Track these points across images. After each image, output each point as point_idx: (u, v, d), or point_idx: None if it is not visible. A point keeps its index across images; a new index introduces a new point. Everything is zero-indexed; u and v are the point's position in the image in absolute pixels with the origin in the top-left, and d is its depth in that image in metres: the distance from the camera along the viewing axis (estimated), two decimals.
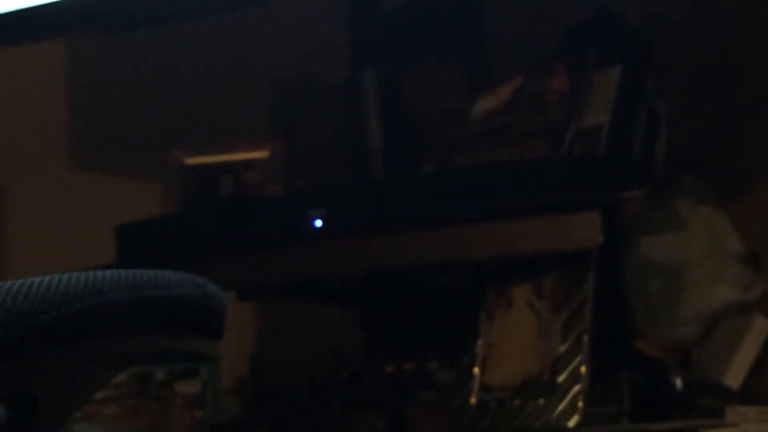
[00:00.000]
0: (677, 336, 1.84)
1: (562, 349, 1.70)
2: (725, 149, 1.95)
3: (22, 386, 0.78)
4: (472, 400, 1.73)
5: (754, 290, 1.86)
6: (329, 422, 1.78)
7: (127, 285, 0.82)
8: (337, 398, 1.81)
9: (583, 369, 1.67)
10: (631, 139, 1.76)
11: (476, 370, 1.75)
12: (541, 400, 1.68)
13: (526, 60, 1.89)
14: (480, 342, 1.76)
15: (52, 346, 0.77)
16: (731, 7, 1.94)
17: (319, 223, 1.76)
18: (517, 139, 1.81)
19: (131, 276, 0.82)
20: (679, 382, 1.79)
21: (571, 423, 1.65)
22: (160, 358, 0.85)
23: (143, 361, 0.87)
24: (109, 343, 0.80)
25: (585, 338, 1.68)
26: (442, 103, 1.96)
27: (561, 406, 1.67)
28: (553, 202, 1.66)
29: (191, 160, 1.97)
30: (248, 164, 1.96)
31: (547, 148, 1.78)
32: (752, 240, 1.87)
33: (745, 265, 1.87)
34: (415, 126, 1.95)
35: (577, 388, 1.67)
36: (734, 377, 1.84)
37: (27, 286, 0.77)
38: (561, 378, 1.68)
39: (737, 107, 1.95)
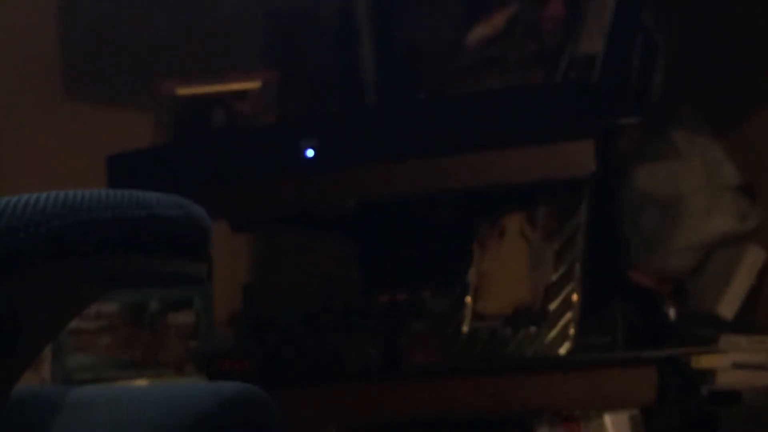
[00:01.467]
0: (671, 266, 1.83)
1: (554, 277, 1.70)
2: (723, 81, 1.93)
3: (4, 307, 0.78)
4: (464, 328, 1.73)
5: (749, 221, 1.85)
6: (322, 352, 1.79)
7: (108, 204, 0.80)
8: (330, 328, 1.81)
9: (574, 297, 1.68)
10: (627, 68, 1.75)
11: (468, 299, 1.75)
12: (533, 328, 1.69)
13: None
14: (472, 271, 1.76)
15: (32, 267, 0.76)
16: None
17: (311, 152, 1.74)
18: (512, 67, 1.80)
19: (112, 195, 0.81)
20: (672, 313, 1.79)
21: (563, 350, 1.66)
22: (143, 279, 0.84)
23: (126, 283, 0.86)
24: (89, 262, 0.79)
25: (577, 267, 1.68)
26: (436, 32, 1.93)
27: (552, 334, 1.67)
28: (547, 130, 1.64)
29: (183, 91, 1.96)
30: (240, 95, 1.94)
31: (541, 76, 1.76)
32: (748, 171, 1.87)
33: (741, 195, 1.86)
34: (409, 55, 1.93)
35: (568, 315, 1.67)
36: (728, 307, 1.84)
37: (4, 205, 0.76)
38: (553, 306, 1.69)
39: (735, 39, 1.92)
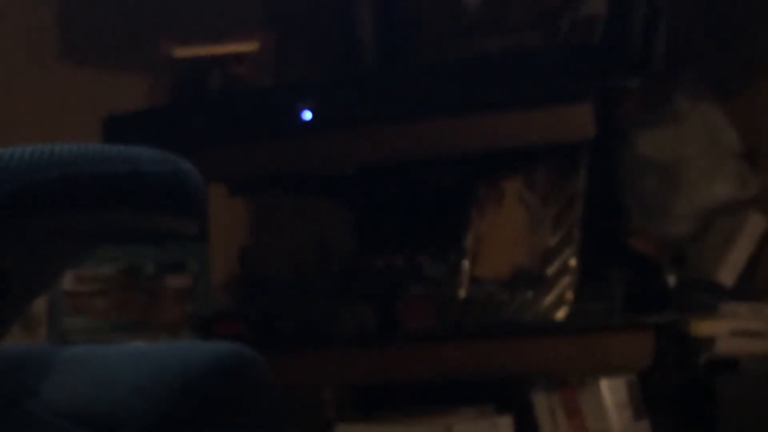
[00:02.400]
0: (671, 233, 1.82)
1: (552, 242, 1.69)
2: (724, 46, 1.91)
3: None
4: (462, 292, 1.73)
5: (750, 188, 1.84)
6: (319, 315, 1.78)
7: (95, 158, 0.79)
8: (326, 292, 1.80)
9: (572, 262, 1.67)
10: (629, 31, 1.72)
11: (465, 263, 1.74)
12: (530, 292, 1.68)
13: None
14: (470, 235, 1.75)
15: (17, 217, 0.75)
16: None
17: (308, 115, 1.73)
18: (511, 29, 1.78)
19: (99, 149, 0.80)
20: (672, 279, 1.79)
21: (560, 315, 1.65)
22: (129, 234, 0.83)
23: (113, 238, 0.86)
24: (73, 215, 0.78)
25: (575, 231, 1.67)
26: None
27: (550, 299, 1.67)
28: (546, 93, 1.63)
29: (180, 52, 1.94)
30: (238, 57, 1.92)
31: (541, 39, 1.74)
32: (750, 138, 1.85)
33: (742, 162, 1.85)
34: (408, 15, 1.91)
35: (566, 280, 1.66)
36: (728, 274, 1.83)
37: None
38: (550, 270, 1.68)
39: (739, 4, 1.90)
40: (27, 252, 0.79)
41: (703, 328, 1.64)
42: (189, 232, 0.87)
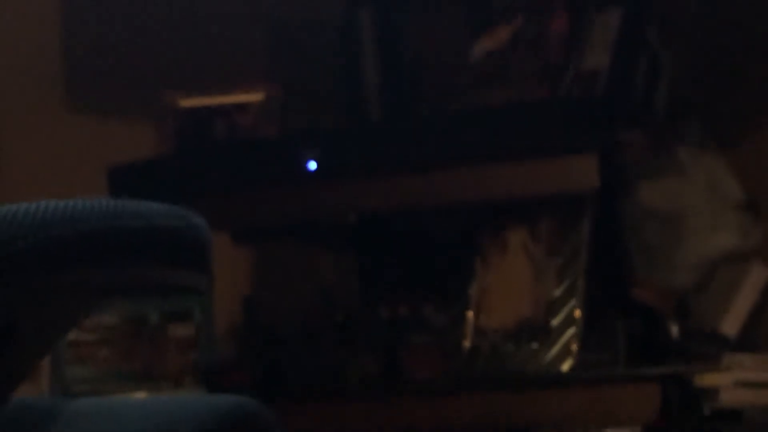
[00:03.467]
0: (674, 283, 1.83)
1: (557, 293, 1.69)
2: (727, 97, 1.92)
3: (0, 313, 0.77)
4: (466, 343, 1.72)
5: (753, 238, 1.85)
6: (323, 365, 1.78)
7: (108, 213, 0.80)
8: (330, 341, 1.80)
9: (577, 313, 1.67)
10: (631, 83, 1.74)
11: (470, 313, 1.74)
12: (535, 344, 1.68)
13: (527, 0, 1.87)
14: (474, 285, 1.75)
15: (30, 274, 0.75)
16: None
17: (313, 165, 1.74)
18: (516, 81, 1.79)
19: (112, 205, 0.81)
20: (675, 330, 1.79)
21: (565, 367, 1.65)
22: (142, 289, 0.84)
23: (125, 292, 0.86)
24: (87, 271, 0.78)
25: (580, 282, 1.67)
26: (440, 44, 1.93)
27: (554, 350, 1.66)
28: (551, 144, 1.64)
29: (185, 102, 1.95)
30: (243, 107, 1.94)
31: (545, 91, 1.75)
32: (752, 188, 1.86)
33: (744, 212, 1.85)
34: (413, 67, 1.92)
35: (570, 331, 1.66)
36: (731, 325, 1.83)
37: (4, 213, 0.75)
38: (555, 322, 1.68)
39: (740, 56, 1.92)
40: (39, 308, 0.79)
41: (707, 379, 1.64)
42: (200, 286, 0.88)
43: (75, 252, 0.77)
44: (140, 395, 1.78)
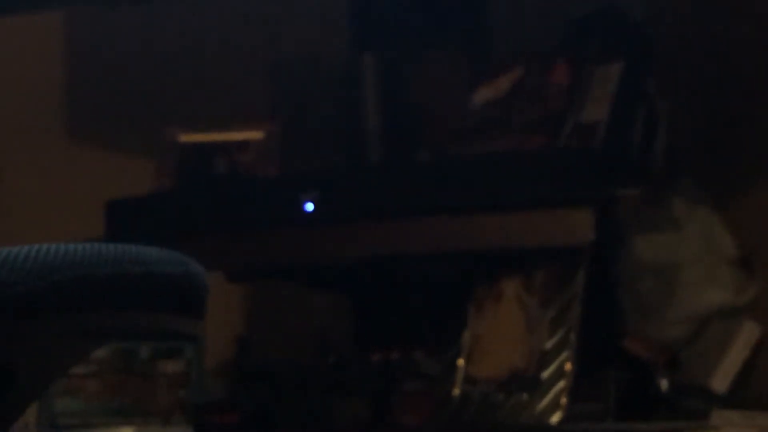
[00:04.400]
0: (666, 336, 1.83)
1: (549, 344, 1.69)
2: (724, 152, 1.94)
3: None
4: (456, 391, 1.72)
5: (746, 294, 1.85)
6: (313, 407, 1.77)
7: (108, 259, 0.80)
8: (322, 384, 1.80)
9: (568, 365, 1.67)
10: (630, 137, 1.75)
11: (461, 361, 1.74)
12: (525, 395, 1.68)
13: (528, 50, 1.88)
14: (467, 334, 1.76)
15: (29, 318, 0.75)
16: (735, 8, 1.93)
17: (310, 206, 1.74)
18: (515, 131, 1.80)
19: (112, 250, 0.81)
20: (665, 383, 1.79)
21: (554, 419, 1.65)
22: (139, 334, 0.84)
23: (122, 337, 0.86)
24: (86, 316, 0.78)
25: (572, 335, 1.67)
26: (441, 91, 1.94)
27: (544, 402, 1.66)
28: (548, 196, 1.65)
29: (185, 138, 1.96)
30: (243, 145, 1.94)
31: (544, 141, 1.76)
32: (746, 244, 1.87)
33: (738, 268, 1.86)
34: (413, 113, 1.93)
35: (561, 384, 1.66)
36: (721, 381, 1.83)
37: (4, 256, 0.76)
38: (546, 373, 1.68)
39: (738, 111, 1.94)
40: (36, 351, 0.80)
41: None
42: (195, 333, 0.88)
43: (74, 297, 0.77)
44: (128, 431, 1.78)
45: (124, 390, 1.85)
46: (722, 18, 1.93)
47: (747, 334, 1.86)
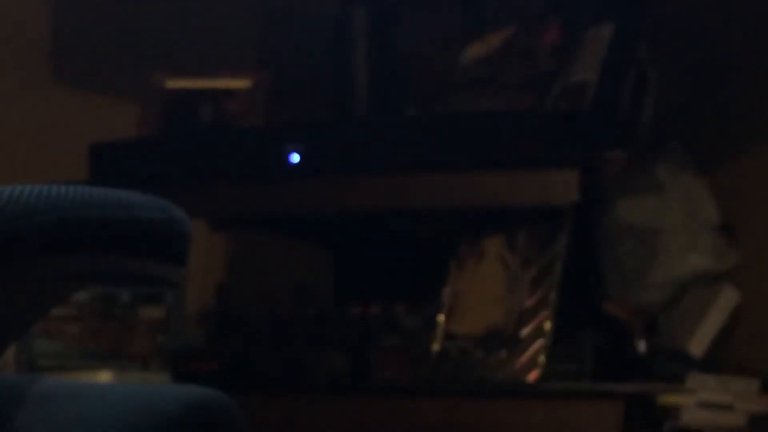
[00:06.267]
0: (645, 300, 1.84)
1: (529, 303, 1.70)
2: (711, 120, 1.94)
3: None
4: (435, 346, 1.73)
5: (726, 261, 1.86)
6: (291, 359, 1.78)
7: (90, 202, 0.80)
8: (300, 336, 1.80)
9: (547, 325, 1.68)
10: (618, 100, 1.75)
11: (441, 317, 1.75)
12: (504, 352, 1.69)
13: (520, 9, 1.87)
14: (447, 290, 1.76)
15: (9, 260, 0.75)
16: None
17: (296, 158, 1.74)
18: (504, 90, 1.80)
19: (95, 193, 0.80)
20: (642, 346, 1.80)
21: (531, 377, 1.66)
22: (120, 278, 0.83)
23: (102, 281, 0.86)
24: (68, 259, 0.78)
25: (552, 294, 1.68)
26: (431, 47, 1.93)
27: (522, 360, 1.67)
28: (533, 156, 1.64)
29: (172, 84, 1.94)
30: (229, 93, 1.93)
31: (532, 101, 1.76)
32: (729, 211, 1.87)
33: (720, 235, 1.87)
34: (402, 67, 1.93)
35: (539, 342, 1.67)
36: (698, 345, 1.84)
37: None
38: (525, 332, 1.68)
39: (727, 80, 1.93)
40: (16, 292, 0.79)
41: (670, 398, 1.65)
42: (177, 280, 0.88)
43: (56, 239, 0.77)
44: (105, 375, 1.78)
45: (103, 334, 1.85)
46: None
47: (726, 299, 1.88)
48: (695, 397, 1.65)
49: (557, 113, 1.72)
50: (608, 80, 1.73)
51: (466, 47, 1.87)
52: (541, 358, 1.66)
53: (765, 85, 1.92)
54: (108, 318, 1.85)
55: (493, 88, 1.81)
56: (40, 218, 0.76)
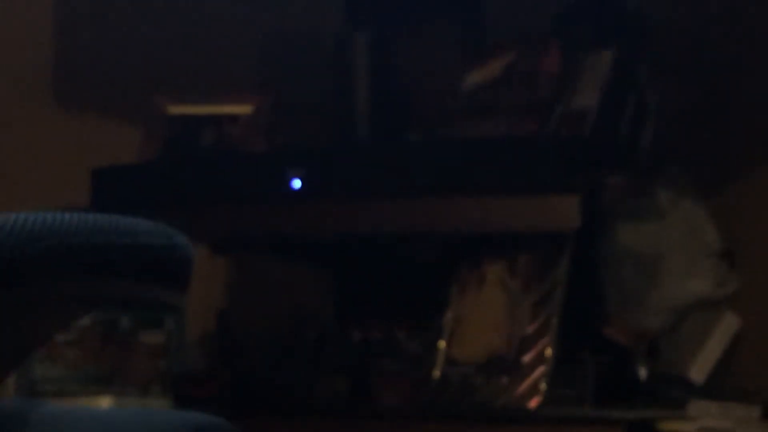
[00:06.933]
0: (646, 325, 1.84)
1: (530, 329, 1.70)
2: (712, 145, 1.94)
3: None
4: (436, 372, 1.73)
5: (727, 286, 1.86)
6: (292, 383, 1.78)
7: (95, 229, 0.80)
8: (301, 360, 1.80)
9: (548, 351, 1.67)
10: (618, 125, 1.76)
11: (442, 342, 1.74)
12: (505, 378, 1.68)
13: (521, 35, 1.88)
14: (448, 315, 1.76)
15: (13, 285, 0.75)
16: (730, 4, 1.93)
17: (297, 183, 1.74)
18: (505, 115, 1.80)
19: (99, 220, 0.81)
20: (643, 371, 1.80)
21: (532, 403, 1.65)
22: (122, 304, 0.84)
23: (106, 306, 0.86)
24: (71, 285, 0.78)
25: (553, 320, 1.68)
26: (432, 72, 1.94)
27: (524, 386, 1.67)
28: (534, 181, 1.65)
29: (174, 109, 1.95)
30: (231, 118, 1.94)
31: (533, 127, 1.77)
32: (729, 236, 1.88)
33: (720, 260, 1.87)
34: (404, 92, 1.93)
35: (541, 369, 1.67)
36: (699, 371, 1.84)
37: None
38: (526, 358, 1.68)
39: (728, 105, 1.94)
40: (19, 318, 0.79)
41: (671, 424, 1.65)
42: (178, 304, 0.88)
43: (59, 266, 0.77)
44: (106, 399, 1.78)
45: (104, 358, 1.85)
46: (715, 9, 1.93)
47: (726, 325, 1.88)
48: (696, 424, 1.65)
49: (558, 139, 1.72)
50: (609, 106, 1.74)
51: (467, 72, 1.87)
52: (542, 385, 1.66)
53: (765, 110, 1.93)
54: (108, 342, 1.85)
55: (494, 114, 1.81)
56: (45, 244, 0.77)
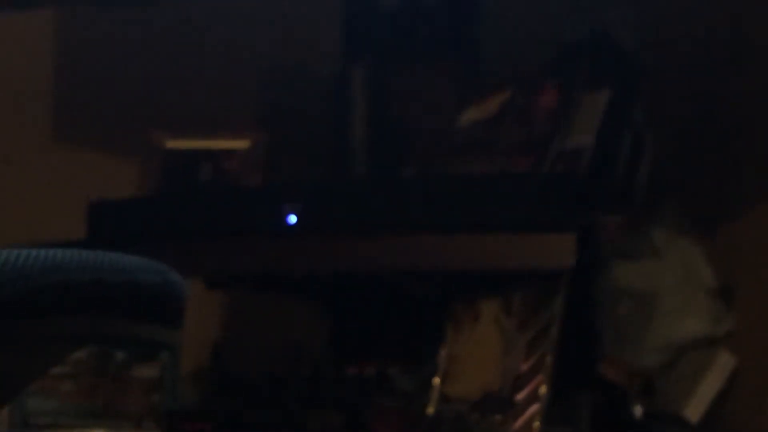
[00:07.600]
0: (642, 363, 1.84)
1: (525, 367, 1.69)
2: (708, 183, 1.95)
3: None
4: (430, 409, 1.72)
5: (723, 325, 1.86)
6: (286, 418, 1.77)
7: (88, 266, 0.80)
8: (295, 396, 1.80)
9: (543, 389, 1.67)
10: (614, 164, 1.76)
11: (437, 380, 1.74)
12: (499, 417, 1.68)
13: (517, 73, 1.89)
14: (443, 352, 1.76)
15: (7, 322, 0.75)
16: (725, 39, 1.95)
17: (293, 218, 1.74)
18: (500, 153, 1.81)
19: (93, 257, 0.81)
20: (639, 410, 1.79)
21: None
22: (116, 341, 0.84)
23: (99, 343, 0.86)
24: (64, 322, 0.79)
25: (548, 358, 1.68)
26: (429, 109, 1.95)
27: (518, 424, 1.66)
28: (530, 219, 1.65)
29: (171, 144, 1.96)
30: (228, 153, 1.95)
31: (529, 165, 1.77)
32: (726, 275, 1.88)
33: (716, 299, 1.87)
34: (400, 129, 1.94)
35: (535, 407, 1.66)
36: (694, 410, 1.84)
37: None
38: (521, 396, 1.68)
39: (723, 143, 1.95)
40: (12, 354, 0.80)
41: None
42: (172, 342, 0.88)
43: (52, 302, 0.77)
44: None
45: (98, 392, 1.84)
46: (712, 48, 1.95)
47: (722, 364, 1.87)
48: None
49: (554, 177, 1.73)
50: (604, 145, 1.74)
51: (463, 110, 1.88)
52: (537, 423, 1.65)
53: (762, 147, 1.93)
54: (102, 376, 1.84)
55: (490, 151, 1.82)
56: (39, 281, 0.77)
